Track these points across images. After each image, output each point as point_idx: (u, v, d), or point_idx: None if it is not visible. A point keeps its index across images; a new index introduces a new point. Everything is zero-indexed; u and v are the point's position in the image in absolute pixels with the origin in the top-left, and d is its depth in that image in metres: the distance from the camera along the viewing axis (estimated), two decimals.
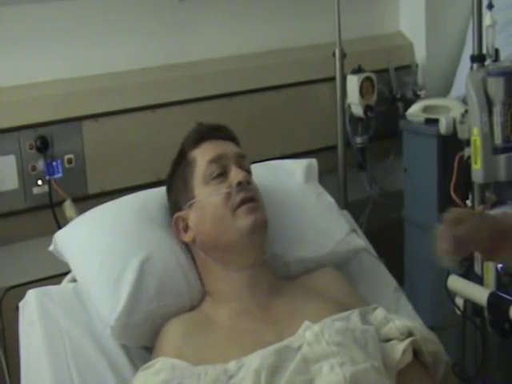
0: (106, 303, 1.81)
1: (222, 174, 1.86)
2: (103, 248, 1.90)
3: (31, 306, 1.92)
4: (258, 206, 1.84)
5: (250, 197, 1.83)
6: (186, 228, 1.88)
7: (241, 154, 1.93)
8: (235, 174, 1.84)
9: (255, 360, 1.55)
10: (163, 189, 2.05)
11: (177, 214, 1.90)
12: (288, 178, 2.17)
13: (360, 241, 2.11)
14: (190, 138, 1.96)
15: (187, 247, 1.93)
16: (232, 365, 1.58)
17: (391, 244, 2.66)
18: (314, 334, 1.60)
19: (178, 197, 1.91)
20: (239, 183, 1.83)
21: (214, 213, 1.82)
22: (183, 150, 1.95)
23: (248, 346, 1.63)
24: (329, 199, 2.18)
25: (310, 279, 1.94)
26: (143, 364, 1.72)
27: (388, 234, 2.80)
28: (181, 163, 1.94)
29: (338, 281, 1.95)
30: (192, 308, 1.86)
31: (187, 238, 1.89)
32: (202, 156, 1.89)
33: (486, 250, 1.69)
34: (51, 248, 2.04)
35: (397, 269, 2.35)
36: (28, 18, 2.53)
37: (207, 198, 1.84)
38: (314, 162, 2.26)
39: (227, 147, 1.93)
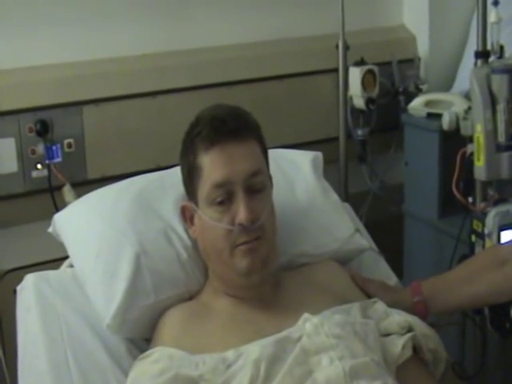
0: (101, 298, 1.79)
1: (228, 200, 1.70)
2: (100, 238, 1.87)
3: (29, 290, 1.90)
4: (262, 243, 1.71)
5: (251, 239, 1.70)
6: (192, 219, 1.81)
7: (254, 172, 1.72)
8: (239, 212, 1.68)
9: (254, 350, 1.54)
10: (162, 173, 2.03)
11: (183, 204, 1.83)
12: (294, 171, 2.12)
13: (364, 241, 2.10)
14: (200, 133, 1.73)
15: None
16: (230, 353, 1.56)
17: (390, 237, 2.65)
18: (313, 326, 1.59)
19: (186, 186, 1.82)
20: (241, 224, 1.69)
21: (214, 241, 1.72)
22: (192, 141, 1.76)
23: (247, 336, 1.62)
24: (334, 196, 2.15)
25: (312, 270, 1.92)
26: (141, 352, 1.71)
27: (387, 228, 2.80)
28: (189, 155, 1.76)
29: (339, 273, 1.94)
30: (191, 297, 1.84)
31: (192, 232, 1.83)
32: (209, 173, 1.71)
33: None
34: (50, 229, 2.02)
35: (396, 262, 2.34)
36: (30, 0, 2.52)
37: (209, 220, 1.72)
38: (319, 155, 2.21)
39: (239, 164, 1.71)
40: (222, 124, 1.72)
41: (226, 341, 1.63)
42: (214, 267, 1.80)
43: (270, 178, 1.84)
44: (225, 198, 1.70)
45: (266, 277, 1.76)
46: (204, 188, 1.72)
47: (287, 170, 2.12)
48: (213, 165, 1.71)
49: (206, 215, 1.72)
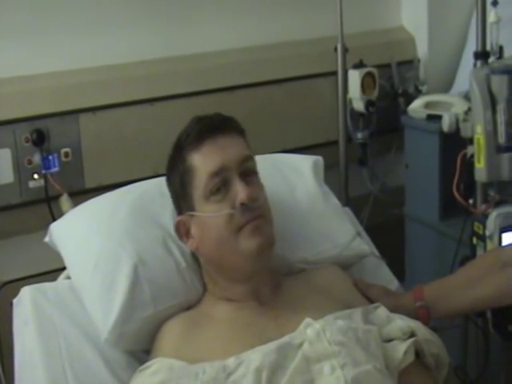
0: (99, 311, 1.77)
1: (224, 186, 1.72)
2: (97, 249, 1.85)
3: (25, 303, 1.89)
4: (264, 222, 1.73)
5: (254, 217, 1.71)
6: (188, 233, 1.80)
7: (245, 157, 1.77)
8: (239, 192, 1.70)
9: (255, 357, 1.52)
10: (159, 180, 2.00)
11: (178, 219, 1.81)
12: (295, 176, 2.11)
13: (365, 246, 2.08)
14: (189, 136, 1.78)
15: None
16: (231, 361, 1.54)
17: (392, 240, 2.64)
18: (315, 332, 1.57)
19: (178, 199, 1.82)
20: (242, 203, 1.70)
21: (216, 234, 1.72)
22: (181, 148, 1.79)
23: (248, 341, 1.61)
24: (335, 201, 2.13)
25: (313, 275, 1.91)
26: (141, 364, 1.69)
27: (388, 231, 2.79)
28: (179, 164, 1.79)
29: (341, 278, 1.93)
30: (190, 307, 1.82)
31: (189, 245, 1.80)
32: (203, 166, 1.73)
33: None
34: (46, 239, 2.01)
35: (397, 265, 2.33)
36: (25, 9, 2.51)
37: (208, 216, 1.73)
38: (320, 159, 2.20)
39: (230, 151, 1.75)
40: (209, 121, 1.78)
41: (226, 347, 1.62)
42: (217, 270, 1.78)
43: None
44: (221, 185, 1.72)
45: (267, 271, 1.77)
46: (200, 184, 1.73)
47: (288, 174, 2.11)
48: (206, 158, 1.74)
49: (205, 212, 1.73)
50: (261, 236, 1.70)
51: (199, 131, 1.77)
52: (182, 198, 1.79)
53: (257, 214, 1.71)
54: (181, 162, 1.78)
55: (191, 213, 1.76)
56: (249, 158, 1.78)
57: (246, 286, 1.76)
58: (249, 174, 1.77)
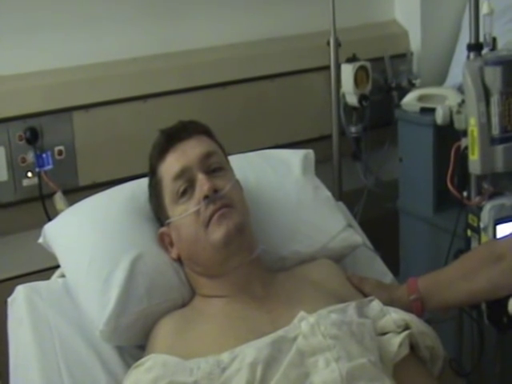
0: (94, 306, 1.78)
1: (190, 187, 1.79)
2: (92, 245, 1.86)
3: (20, 302, 1.89)
4: (230, 210, 1.76)
5: (218, 207, 1.75)
6: (172, 243, 1.85)
7: (206, 154, 1.83)
8: (200, 187, 1.76)
9: (250, 352, 1.52)
10: None
11: (160, 230, 1.86)
12: (284, 170, 2.12)
13: (357, 237, 2.08)
14: (154, 150, 1.87)
15: None
16: (225, 356, 1.54)
17: (386, 234, 2.65)
18: (309, 326, 1.57)
19: (158, 212, 1.88)
20: (206, 197, 1.75)
21: (188, 233, 1.77)
22: (151, 164, 1.88)
23: (242, 335, 1.61)
24: (326, 193, 2.14)
25: (306, 270, 1.91)
26: (135, 361, 1.67)
27: (383, 224, 2.80)
28: (152, 180, 1.89)
29: (334, 272, 1.93)
30: (184, 305, 1.83)
31: (173, 254, 1.85)
32: (167, 173, 1.82)
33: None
34: (40, 240, 2.01)
35: (392, 259, 2.33)
36: (17, 7, 2.50)
37: (179, 218, 1.79)
38: (310, 153, 2.21)
39: (190, 153, 1.82)
40: (170, 132, 1.87)
41: (220, 341, 1.62)
42: (199, 271, 1.81)
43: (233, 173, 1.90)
44: (187, 185, 1.79)
45: (253, 265, 1.79)
46: (167, 190, 1.82)
47: (278, 169, 2.12)
48: (168, 165, 1.83)
49: (176, 215, 1.79)
50: (227, 223, 1.73)
51: (162, 144, 1.86)
52: (159, 211, 1.86)
53: (222, 203, 1.75)
54: (153, 176, 1.88)
55: (167, 221, 1.82)
56: (211, 154, 1.84)
57: (231, 280, 1.77)
58: (214, 169, 1.83)
